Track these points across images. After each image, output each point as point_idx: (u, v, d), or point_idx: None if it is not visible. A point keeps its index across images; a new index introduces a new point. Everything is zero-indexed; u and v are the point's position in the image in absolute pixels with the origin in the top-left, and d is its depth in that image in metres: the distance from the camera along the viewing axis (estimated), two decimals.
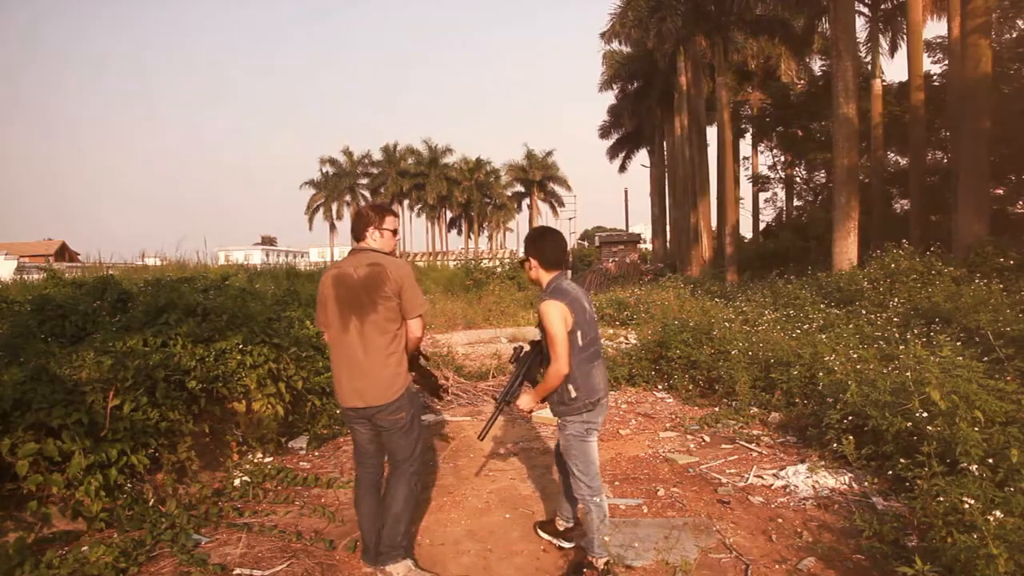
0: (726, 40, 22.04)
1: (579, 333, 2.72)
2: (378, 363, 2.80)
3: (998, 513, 2.53)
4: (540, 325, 2.76)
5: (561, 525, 3.21)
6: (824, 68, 23.24)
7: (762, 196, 28.25)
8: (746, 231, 29.80)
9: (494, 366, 7.59)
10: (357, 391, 2.81)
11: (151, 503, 3.46)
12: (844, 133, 12.55)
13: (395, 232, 2.99)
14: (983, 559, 2.33)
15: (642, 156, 38.28)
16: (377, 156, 54.62)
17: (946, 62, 16.80)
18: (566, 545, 3.18)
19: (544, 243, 2.87)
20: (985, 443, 3.23)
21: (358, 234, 2.94)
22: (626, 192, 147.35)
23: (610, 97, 37.22)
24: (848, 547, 3.04)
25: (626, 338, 9.27)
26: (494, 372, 7.45)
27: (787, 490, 3.83)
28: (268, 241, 78.21)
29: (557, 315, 2.66)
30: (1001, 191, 16.00)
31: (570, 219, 56.51)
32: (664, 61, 24.20)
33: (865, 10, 18.33)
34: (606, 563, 2.81)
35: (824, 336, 6.46)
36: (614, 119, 34.97)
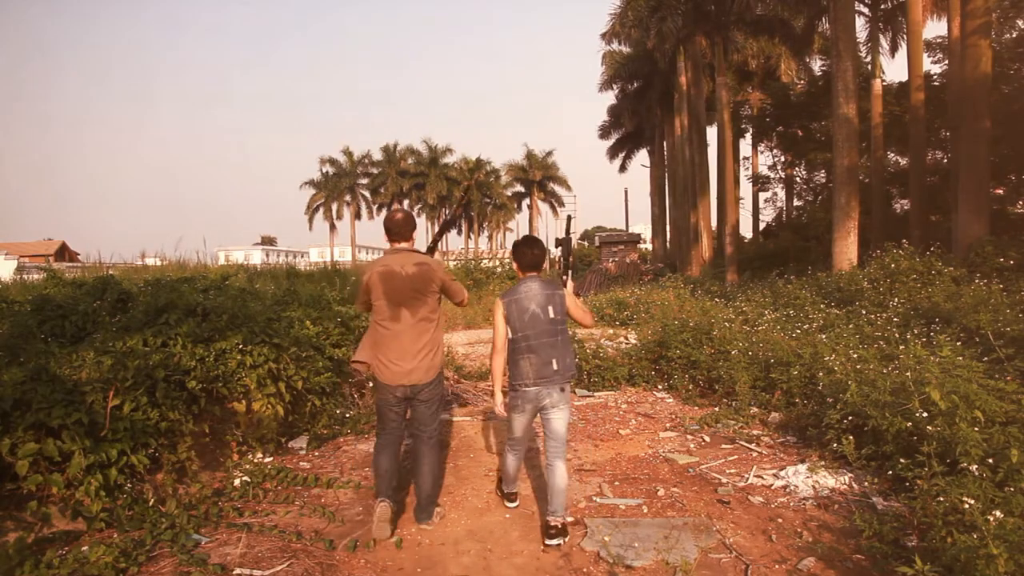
0: (726, 40, 22.04)
1: (508, 328, 3.33)
2: (428, 348, 3.33)
3: (998, 513, 2.53)
4: None
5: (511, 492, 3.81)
6: (824, 68, 23.23)
7: (762, 196, 28.26)
8: (746, 231, 29.85)
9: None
10: (408, 372, 3.30)
11: (151, 503, 3.46)
12: (844, 133, 12.55)
13: (430, 244, 3.72)
14: (983, 559, 2.33)
15: (642, 156, 38.33)
16: (377, 156, 54.65)
17: (946, 62, 16.82)
18: (508, 504, 3.77)
19: (517, 251, 3.46)
20: (985, 443, 3.23)
21: (404, 236, 3.39)
22: (626, 192, 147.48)
23: (610, 97, 37.21)
24: (848, 547, 3.04)
25: (626, 338, 9.26)
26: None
27: (787, 490, 3.83)
28: (268, 241, 78.27)
29: (496, 310, 3.37)
30: (1001, 191, 16.01)
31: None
32: (664, 61, 24.21)
33: (865, 10, 18.32)
34: (508, 492, 3.74)
35: (824, 336, 6.46)
36: (614, 119, 34.99)
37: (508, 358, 3.36)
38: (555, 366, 3.30)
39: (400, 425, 3.47)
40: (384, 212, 56.73)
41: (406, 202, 55.63)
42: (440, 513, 3.60)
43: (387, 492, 3.37)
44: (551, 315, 3.31)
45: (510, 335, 3.32)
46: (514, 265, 3.48)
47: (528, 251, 3.41)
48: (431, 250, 3.65)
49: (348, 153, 53.70)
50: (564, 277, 3.60)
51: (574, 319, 3.51)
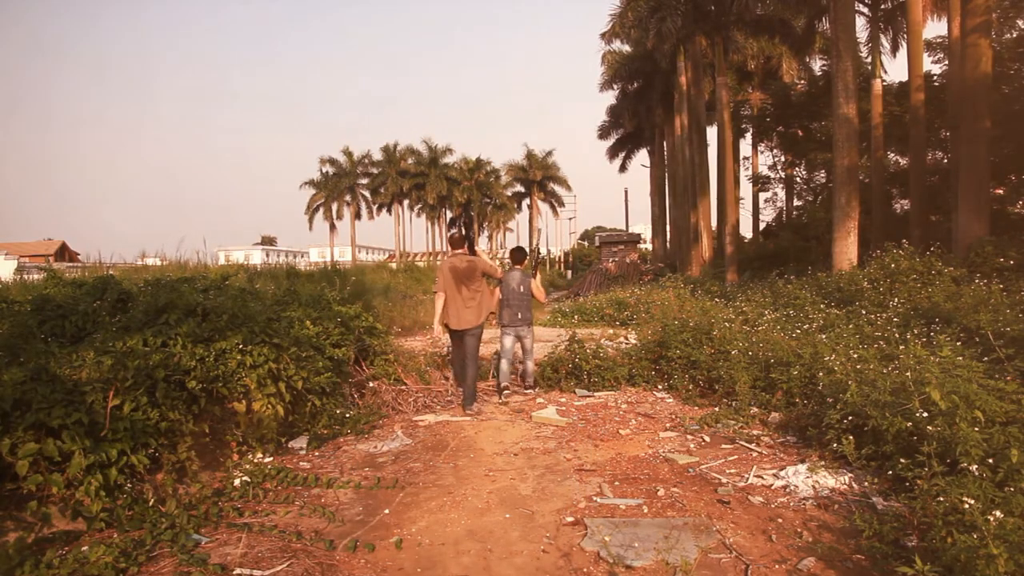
0: (726, 40, 22.03)
1: (500, 292, 6.54)
2: (473, 309, 6.01)
3: (998, 513, 2.53)
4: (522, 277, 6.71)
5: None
6: (824, 68, 23.23)
7: (762, 196, 28.26)
8: (746, 231, 29.85)
9: (494, 366, 7.59)
10: (465, 320, 6.00)
11: (151, 503, 3.46)
12: (844, 133, 12.55)
13: (470, 250, 6.35)
14: (983, 559, 2.33)
15: (642, 156, 38.37)
16: (377, 156, 54.62)
17: (946, 62, 16.82)
18: (503, 395, 6.53)
19: (511, 253, 6.84)
20: (985, 443, 3.22)
21: (458, 246, 6.28)
22: (626, 192, 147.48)
23: (610, 97, 37.24)
24: (848, 547, 3.04)
25: (626, 338, 9.26)
26: (494, 372, 7.44)
27: (787, 490, 3.83)
28: (268, 241, 78.38)
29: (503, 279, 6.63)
30: (1001, 191, 15.99)
31: (570, 219, 56.67)
32: (664, 61, 24.21)
33: (865, 10, 18.32)
34: (502, 386, 6.55)
35: (824, 336, 6.46)
36: (614, 119, 34.98)
37: (498, 309, 6.58)
38: (519, 316, 6.56)
39: (462, 347, 6.12)
40: (384, 212, 56.53)
41: (406, 202, 55.67)
42: (478, 408, 5.98)
43: (465, 390, 6.12)
44: (521, 290, 6.57)
45: (500, 297, 6.55)
46: (508, 260, 6.79)
47: (516, 254, 6.83)
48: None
49: (348, 153, 53.70)
50: (533, 271, 6.84)
51: (533, 294, 6.70)
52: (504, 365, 6.56)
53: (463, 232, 6.88)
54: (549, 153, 53.73)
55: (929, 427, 3.45)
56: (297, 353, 4.76)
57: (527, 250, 6.85)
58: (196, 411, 3.98)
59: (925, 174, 15.38)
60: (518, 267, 6.59)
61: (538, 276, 6.82)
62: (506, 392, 6.44)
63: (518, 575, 2.98)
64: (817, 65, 24.43)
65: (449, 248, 6.36)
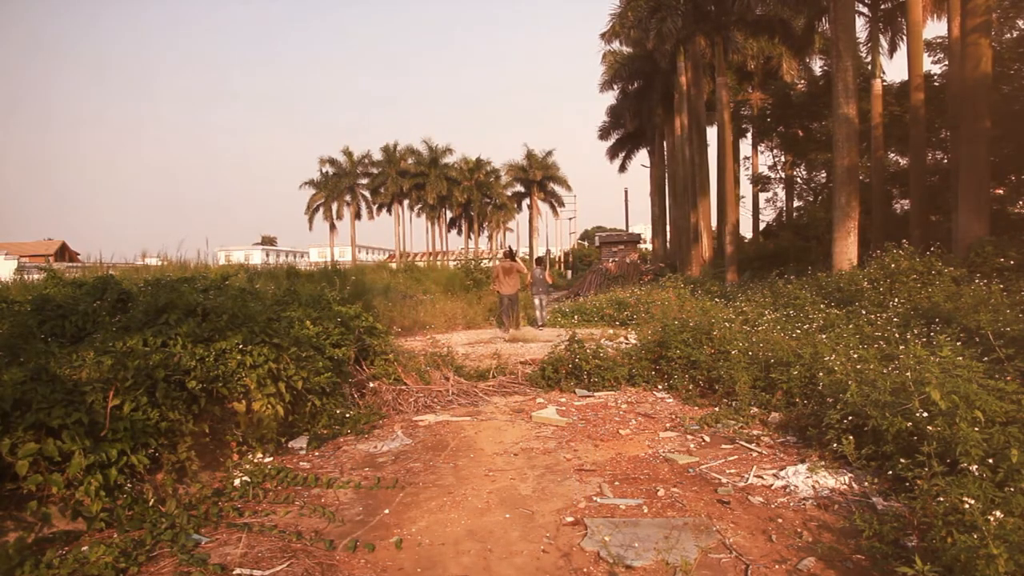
0: (726, 40, 22.02)
1: (531, 276, 12.71)
2: (513, 284, 11.83)
3: (998, 513, 2.53)
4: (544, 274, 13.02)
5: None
6: (824, 68, 23.24)
7: (762, 196, 28.23)
8: (746, 231, 29.84)
9: (494, 366, 7.59)
10: (509, 288, 11.76)
11: (151, 503, 3.46)
12: (844, 133, 12.55)
13: (512, 258, 12.18)
14: (983, 559, 2.33)
15: (642, 156, 38.32)
16: (377, 156, 54.58)
17: (946, 62, 16.81)
18: (539, 325, 12.42)
19: (536, 261, 15.42)
20: (985, 443, 3.23)
21: (511, 257, 12.23)
22: (626, 192, 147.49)
23: (610, 97, 37.21)
24: (848, 547, 3.04)
25: (626, 338, 9.26)
26: (494, 372, 7.44)
27: (787, 490, 3.83)
28: (268, 241, 78.43)
29: (530, 272, 12.79)
30: (1001, 191, 15.99)
31: (570, 219, 56.50)
32: (664, 61, 24.16)
33: (865, 10, 18.32)
34: (541, 325, 12.57)
35: (824, 336, 6.46)
36: (614, 119, 34.96)
37: (531, 286, 12.60)
38: (540, 289, 12.54)
39: (505, 305, 11.67)
40: (384, 212, 56.49)
41: (406, 202, 55.68)
42: (513, 333, 11.12)
43: (506, 325, 11.54)
44: (541, 277, 12.63)
45: (531, 281, 12.54)
46: (534, 263, 15.53)
47: (539, 260, 14.59)
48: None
49: (348, 153, 53.65)
50: (541, 269, 12.84)
51: (548, 279, 12.93)
52: (536, 312, 12.45)
53: (510, 250, 12.88)
54: (549, 153, 53.65)
55: (929, 427, 3.45)
56: (297, 353, 4.76)
57: (513, 253, 12.76)
58: (196, 411, 3.98)
59: (925, 174, 15.38)
60: (539, 266, 12.91)
61: (548, 270, 13.43)
62: (541, 326, 12.28)
63: (518, 575, 2.99)
64: (817, 65, 24.45)
65: (502, 256, 12.43)
